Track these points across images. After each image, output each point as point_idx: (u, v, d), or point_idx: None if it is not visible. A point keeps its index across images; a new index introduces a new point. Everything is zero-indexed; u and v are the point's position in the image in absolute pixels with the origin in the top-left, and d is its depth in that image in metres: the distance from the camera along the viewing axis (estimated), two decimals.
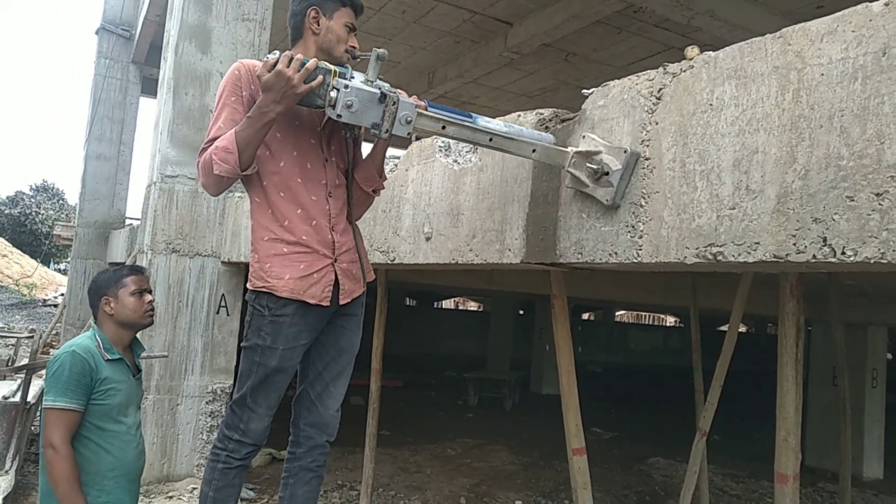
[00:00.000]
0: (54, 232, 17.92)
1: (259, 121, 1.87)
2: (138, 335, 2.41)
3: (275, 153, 2.08)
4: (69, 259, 15.31)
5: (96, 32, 11.31)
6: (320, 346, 2.22)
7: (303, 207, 2.09)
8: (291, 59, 1.77)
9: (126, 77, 11.22)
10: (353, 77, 1.79)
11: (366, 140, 2.28)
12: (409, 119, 1.76)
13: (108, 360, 2.20)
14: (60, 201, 34.50)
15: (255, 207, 2.13)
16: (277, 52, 1.82)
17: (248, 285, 2.15)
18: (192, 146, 4.82)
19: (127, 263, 6.67)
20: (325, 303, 2.10)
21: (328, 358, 2.24)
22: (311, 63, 1.77)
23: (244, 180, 2.12)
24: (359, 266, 2.22)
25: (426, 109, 1.81)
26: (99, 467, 2.15)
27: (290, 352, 2.10)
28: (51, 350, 9.97)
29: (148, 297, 2.34)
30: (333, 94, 1.75)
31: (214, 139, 1.98)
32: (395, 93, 1.76)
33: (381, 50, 1.78)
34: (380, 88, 1.75)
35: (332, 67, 1.81)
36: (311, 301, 2.07)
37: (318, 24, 2.10)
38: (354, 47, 2.13)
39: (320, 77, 1.78)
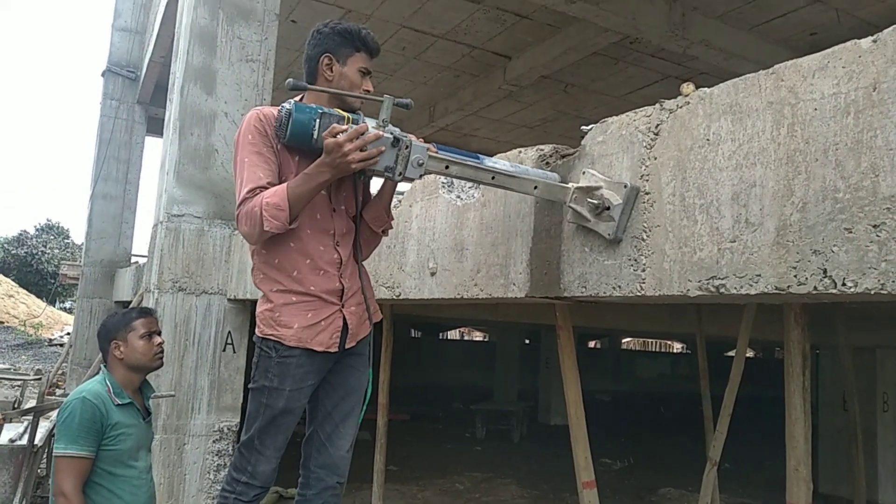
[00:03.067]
0: (60, 271, 18.01)
1: (315, 180, 1.87)
2: (147, 377, 2.42)
3: None
4: (75, 298, 15.37)
5: (102, 74, 11.53)
6: (328, 387, 2.21)
7: (311, 258, 2.09)
8: (360, 135, 1.75)
9: (132, 117, 11.40)
10: (364, 122, 1.83)
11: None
12: (420, 162, 1.79)
13: (119, 404, 2.20)
14: (66, 240, 34.68)
15: (263, 258, 2.13)
16: (358, 118, 1.83)
17: (256, 331, 2.14)
18: (198, 185, 4.88)
19: (134, 302, 6.70)
20: (333, 349, 2.11)
21: (336, 398, 2.23)
22: (371, 136, 1.76)
23: None
24: (365, 308, 2.22)
25: (435, 152, 1.84)
26: None
27: (297, 393, 2.09)
28: (56, 390, 9.95)
29: (157, 340, 2.35)
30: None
31: (256, 189, 1.96)
32: (407, 137, 1.79)
33: (407, 99, 1.82)
34: (392, 133, 1.79)
35: (345, 114, 1.85)
36: (319, 349, 2.07)
37: (332, 71, 2.10)
38: (368, 91, 2.11)
39: (374, 150, 1.77)
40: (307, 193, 1.91)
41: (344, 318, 2.14)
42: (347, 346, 2.16)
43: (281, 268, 2.09)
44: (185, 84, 4.94)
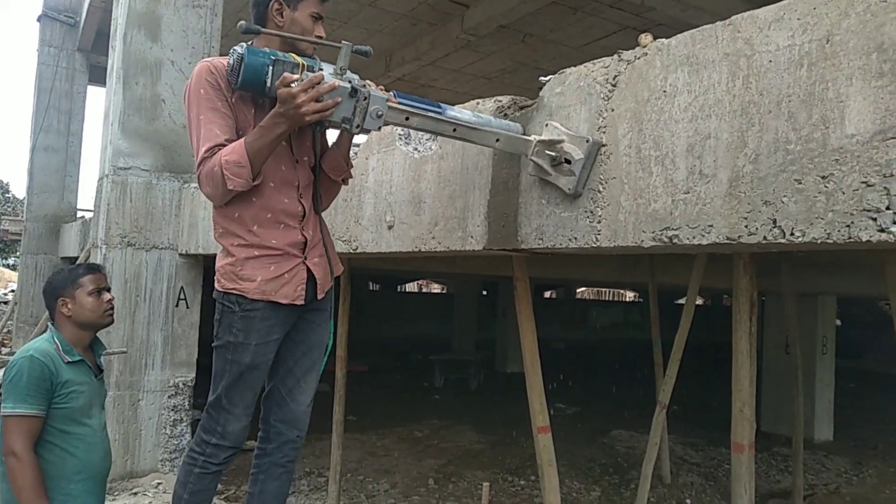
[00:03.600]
0: (1, 227, 17.31)
1: (271, 132, 1.81)
2: (98, 333, 2.36)
3: None
4: (18, 254, 14.84)
5: (38, 20, 10.89)
6: (290, 342, 2.19)
7: (272, 211, 2.05)
8: (315, 84, 1.69)
9: (72, 66, 10.86)
10: (321, 69, 1.76)
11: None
12: (379, 113, 1.73)
13: (69, 362, 2.15)
14: (6, 195, 33.28)
15: (223, 212, 2.07)
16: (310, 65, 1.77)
17: (216, 286, 2.09)
18: (145, 137, 4.71)
19: (81, 258, 6.50)
20: (299, 301, 2.08)
21: (298, 353, 2.22)
22: (325, 87, 1.69)
23: None
24: (326, 260, 2.20)
25: (395, 101, 1.79)
26: (64, 471, 2.11)
27: (263, 347, 2.07)
28: (2, 349, 9.68)
29: (107, 296, 2.29)
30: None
31: (214, 147, 1.90)
32: (365, 87, 1.73)
33: (367, 47, 1.76)
34: (350, 82, 1.72)
35: (300, 61, 1.78)
36: (284, 301, 2.05)
37: (282, 16, 2.03)
38: (321, 37, 2.05)
39: (330, 101, 1.70)
40: (266, 147, 1.86)
41: (309, 270, 2.11)
42: (319, 298, 2.15)
43: (241, 222, 2.04)
44: (127, 30, 4.70)
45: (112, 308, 2.31)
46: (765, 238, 1.40)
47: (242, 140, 1.87)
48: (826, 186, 1.31)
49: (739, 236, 1.45)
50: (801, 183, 1.35)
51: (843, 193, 1.29)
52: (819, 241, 1.32)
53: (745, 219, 1.44)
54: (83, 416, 2.18)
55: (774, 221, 1.39)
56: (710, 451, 6.67)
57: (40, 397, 2.06)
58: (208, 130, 1.93)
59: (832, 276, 6.25)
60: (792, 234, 1.36)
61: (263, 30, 1.88)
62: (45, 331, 2.33)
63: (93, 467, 2.20)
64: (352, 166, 2.30)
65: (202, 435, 2.12)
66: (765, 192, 1.41)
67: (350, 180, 2.38)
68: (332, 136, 2.26)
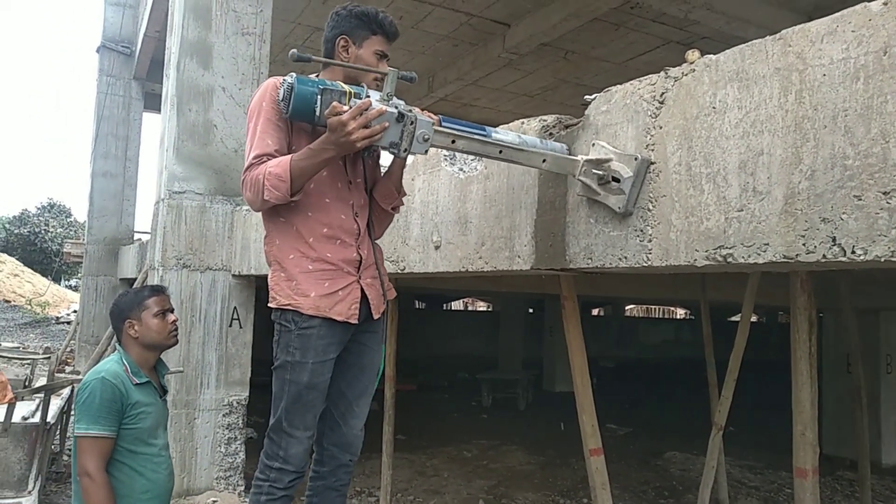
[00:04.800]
0: (64, 250, 18.07)
1: (318, 156, 1.86)
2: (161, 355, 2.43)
3: None
4: (80, 276, 15.43)
5: (97, 50, 11.41)
6: (342, 364, 2.19)
7: (329, 226, 2.08)
8: (363, 111, 1.72)
9: (128, 94, 11.31)
10: (368, 96, 1.80)
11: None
12: (426, 137, 1.75)
13: (137, 383, 2.21)
14: (68, 219, 34.71)
15: (279, 226, 2.11)
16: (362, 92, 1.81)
17: (270, 304, 2.11)
18: (198, 162, 4.86)
19: (138, 279, 6.72)
20: (353, 320, 2.09)
21: (350, 376, 2.22)
22: (373, 113, 1.73)
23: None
24: (380, 283, 2.21)
25: (440, 125, 1.81)
26: (133, 490, 2.17)
27: (320, 366, 2.07)
28: (66, 367, 10.05)
29: (171, 317, 2.34)
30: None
31: (263, 156, 1.96)
32: (411, 111, 1.76)
33: (411, 73, 1.80)
34: (396, 107, 1.75)
35: (347, 89, 1.82)
36: (339, 318, 2.05)
37: (348, 53, 2.08)
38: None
39: (378, 127, 1.74)
40: (310, 168, 1.90)
41: (362, 290, 2.12)
42: (375, 318, 2.16)
43: (298, 235, 2.07)
44: (181, 59, 4.88)
45: (176, 329, 2.36)
46: (824, 256, 1.36)
47: (290, 156, 1.92)
48: (889, 202, 1.27)
49: (797, 255, 1.41)
50: (860, 199, 1.31)
51: None
52: (883, 259, 1.27)
53: (803, 237, 1.40)
54: (150, 437, 2.23)
55: (834, 239, 1.35)
56: (769, 474, 6.44)
57: (112, 418, 2.11)
58: (261, 140, 1.99)
59: (894, 292, 6.00)
60: (853, 251, 1.31)
61: (315, 58, 1.93)
62: (106, 350, 2.41)
63: (159, 486, 2.25)
64: (404, 194, 2.32)
65: (265, 461, 2.11)
66: (822, 209, 1.37)
67: (402, 206, 2.40)
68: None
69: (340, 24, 2.11)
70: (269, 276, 2.16)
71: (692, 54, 1.69)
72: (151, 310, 2.30)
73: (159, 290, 2.39)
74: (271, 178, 1.90)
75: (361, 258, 2.13)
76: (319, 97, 1.81)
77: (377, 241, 2.28)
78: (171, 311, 2.37)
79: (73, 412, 6.15)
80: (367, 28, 2.10)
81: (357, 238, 2.13)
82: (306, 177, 1.93)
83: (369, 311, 2.16)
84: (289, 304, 2.05)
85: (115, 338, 2.40)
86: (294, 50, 1.82)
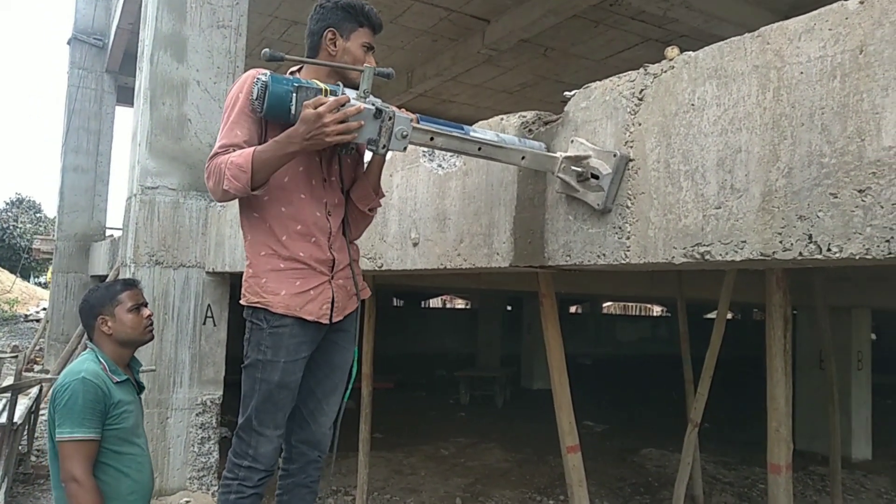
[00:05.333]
0: (33, 246, 17.69)
1: (284, 149, 1.81)
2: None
3: (283, 168, 2.01)
4: (50, 273, 15.14)
5: (68, 42, 11.18)
6: (312, 363, 2.17)
7: (303, 224, 2.05)
8: (340, 105, 1.70)
9: (100, 87, 11.11)
10: (344, 93, 1.77)
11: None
12: (404, 133, 1.74)
13: (117, 382, 2.14)
14: (38, 214, 33.99)
15: (252, 222, 2.08)
16: (328, 87, 1.79)
17: (241, 301, 2.08)
18: (172, 156, 4.78)
19: (110, 276, 6.59)
20: (324, 320, 2.06)
21: (320, 375, 2.20)
22: (352, 109, 1.70)
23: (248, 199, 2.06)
24: (352, 283, 2.18)
25: (418, 122, 1.79)
26: (120, 492, 2.11)
27: (292, 365, 2.04)
28: (34, 366, 9.84)
29: (146, 312, 2.26)
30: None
31: (229, 146, 1.92)
32: (389, 108, 1.74)
33: (389, 69, 1.77)
34: (374, 104, 1.73)
35: (323, 86, 1.78)
36: (309, 318, 2.03)
37: (335, 46, 2.05)
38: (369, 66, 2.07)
39: (354, 124, 1.71)
40: (273, 161, 1.85)
41: (332, 291, 2.10)
42: (334, 320, 2.12)
43: (270, 232, 2.04)
44: (154, 52, 4.79)
45: (152, 324, 2.28)
46: (800, 254, 1.36)
47: (253, 148, 1.88)
48: (863, 200, 1.27)
49: (774, 252, 1.41)
50: (836, 197, 1.31)
51: (882, 207, 1.24)
52: (857, 257, 1.28)
53: (780, 234, 1.40)
54: (133, 436, 2.17)
55: (810, 237, 1.35)
56: (743, 469, 6.52)
57: (96, 420, 2.04)
58: (231, 130, 1.95)
59: (866, 290, 6.11)
60: (829, 249, 1.32)
61: (287, 57, 1.89)
62: (76, 348, 2.34)
63: (144, 486, 2.19)
64: (382, 195, 2.28)
65: (233, 459, 2.08)
66: (799, 206, 1.37)
67: (380, 208, 2.37)
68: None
69: (326, 16, 2.07)
70: (244, 274, 2.12)
71: (671, 51, 1.69)
72: (125, 304, 2.22)
73: (132, 284, 2.31)
74: (233, 167, 1.86)
75: (334, 258, 2.10)
76: (295, 95, 1.78)
77: (355, 242, 2.25)
78: (146, 305, 2.30)
79: (42, 413, 6.02)
80: (354, 20, 2.07)
81: (329, 237, 2.10)
82: (269, 170, 1.88)
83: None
84: (258, 302, 2.02)
85: (85, 335, 2.31)
86: (266, 49, 1.78)
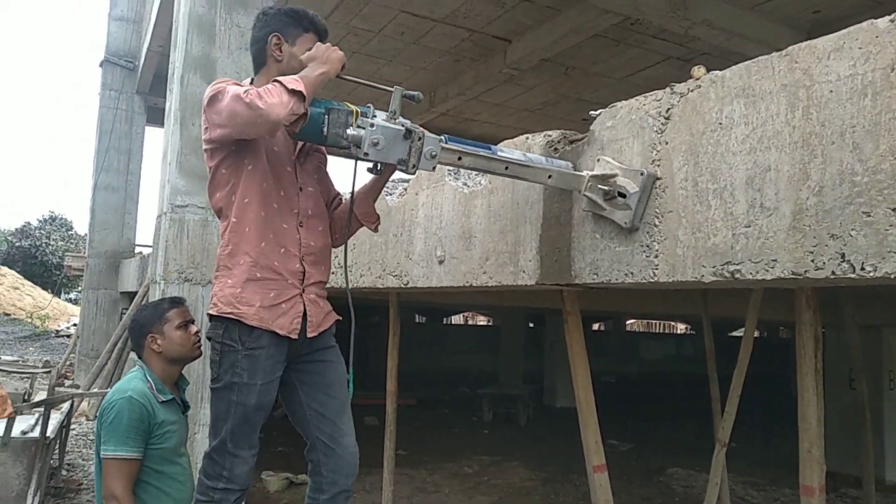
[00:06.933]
0: (65, 263, 18.03)
1: (314, 70, 1.87)
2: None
3: (262, 171, 2.02)
4: (80, 289, 15.42)
5: (100, 65, 11.46)
6: (307, 388, 2.12)
7: (275, 233, 2.03)
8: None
9: (131, 108, 11.35)
10: (375, 115, 1.80)
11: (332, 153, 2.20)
12: (433, 154, 1.78)
13: (162, 401, 2.16)
14: (69, 232, 34.70)
15: (230, 227, 2.04)
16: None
17: (210, 311, 2.03)
18: (201, 176, 4.85)
19: (140, 293, 6.70)
20: (294, 335, 2.02)
21: (322, 396, 2.14)
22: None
23: (224, 202, 2.04)
24: (325, 299, 2.15)
25: (445, 143, 1.82)
26: None
27: (268, 386, 2.00)
28: (65, 381, 10.00)
29: (193, 329, 2.28)
30: (358, 132, 1.75)
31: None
32: (419, 129, 1.77)
33: (416, 92, 1.81)
34: (403, 125, 1.77)
35: (354, 108, 1.82)
36: (280, 332, 1.99)
37: (281, 51, 2.05)
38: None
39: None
40: (311, 82, 1.83)
41: (304, 305, 2.06)
42: (309, 335, 2.08)
43: (249, 238, 2.00)
44: (184, 73, 4.90)
45: (199, 340, 2.29)
46: (833, 273, 1.36)
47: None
48: None
49: (806, 271, 1.40)
50: (870, 216, 1.31)
51: None
52: (893, 276, 1.27)
53: (812, 253, 1.40)
54: (175, 455, 2.19)
55: (843, 256, 1.34)
56: (772, 491, 6.38)
57: (139, 439, 2.06)
58: (238, 85, 1.92)
59: None
60: (863, 268, 1.31)
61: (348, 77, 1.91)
62: (106, 363, 2.38)
63: None
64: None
65: (206, 482, 2.01)
66: (831, 225, 1.37)
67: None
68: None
69: (270, 22, 2.08)
70: (214, 282, 2.08)
71: (698, 70, 1.70)
72: (173, 322, 2.24)
73: (179, 302, 2.34)
74: (289, 81, 1.78)
75: (305, 271, 2.07)
76: (327, 117, 1.82)
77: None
78: (193, 322, 2.32)
79: (73, 427, 6.10)
80: (299, 26, 2.07)
81: (300, 248, 2.07)
82: (312, 89, 1.83)
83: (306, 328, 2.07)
84: (231, 313, 1.97)
85: (133, 353, 2.34)
86: None
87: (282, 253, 2.03)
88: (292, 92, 1.77)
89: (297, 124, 1.83)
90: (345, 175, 2.24)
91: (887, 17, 1.31)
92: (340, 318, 2.25)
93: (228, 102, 1.82)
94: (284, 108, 1.75)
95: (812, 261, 1.39)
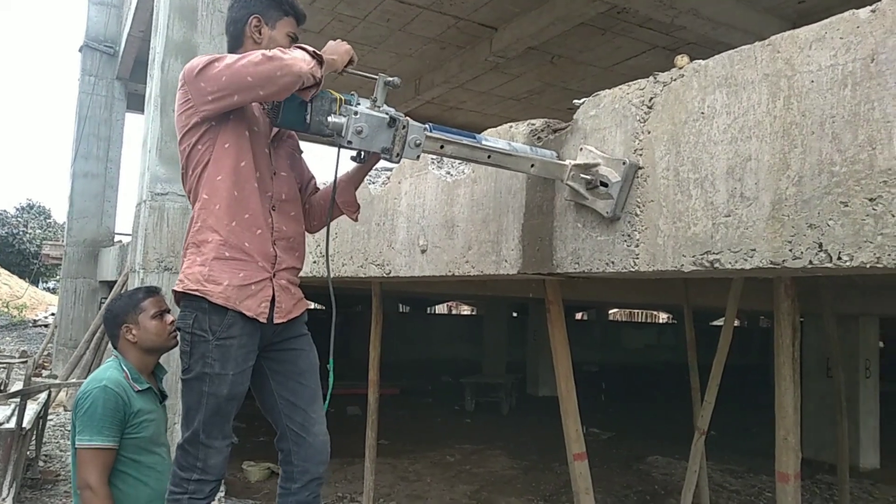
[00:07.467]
0: (43, 251, 17.80)
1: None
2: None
3: (238, 150, 1.97)
4: (58, 278, 15.22)
5: (80, 50, 11.26)
6: (279, 377, 2.09)
7: (250, 213, 1.99)
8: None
9: (111, 94, 11.18)
10: (359, 103, 1.79)
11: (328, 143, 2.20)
12: (418, 142, 1.76)
13: (138, 390, 2.14)
14: (47, 220, 34.19)
15: (201, 204, 1.98)
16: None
17: (176, 287, 1.97)
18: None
19: (118, 282, 6.63)
20: (262, 318, 1.98)
21: (293, 385, 2.11)
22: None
23: (196, 180, 2.00)
24: (298, 286, 2.12)
25: (430, 131, 1.80)
26: (138, 500, 2.11)
27: (240, 376, 1.97)
28: (43, 371, 9.88)
29: (169, 318, 2.25)
30: (341, 120, 1.73)
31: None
32: (403, 117, 1.76)
33: (394, 78, 1.79)
34: (387, 113, 1.75)
35: (338, 95, 1.80)
36: (248, 313, 1.95)
37: (261, 34, 2.02)
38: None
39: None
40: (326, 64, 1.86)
41: (273, 290, 2.02)
42: (276, 321, 2.03)
43: (219, 215, 1.95)
44: (165, 59, 4.83)
45: (175, 329, 2.27)
46: (810, 262, 1.37)
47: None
48: (874, 209, 1.28)
49: (784, 261, 1.41)
50: (847, 205, 1.32)
51: (893, 216, 1.25)
52: (868, 266, 1.28)
53: (790, 242, 1.40)
54: (153, 445, 2.16)
55: (820, 245, 1.35)
56: (750, 478, 6.48)
57: (114, 428, 2.04)
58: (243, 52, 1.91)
59: (874, 297, 6.07)
60: (839, 258, 1.32)
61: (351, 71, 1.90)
62: (85, 353, 2.35)
63: (162, 495, 2.17)
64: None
65: (180, 473, 1.97)
66: (809, 214, 1.37)
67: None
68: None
69: (249, 4, 2.05)
70: (182, 261, 2.03)
71: (681, 59, 1.70)
72: (148, 312, 2.22)
73: (154, 291, 2.30)
74: (307, 47, 1.80)
75: (276, 255, 2.04)
76: (310, 104, 1.79)
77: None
78: (168, 311, 2.28)
79: (51, 418, 6.04)
80: (279, 9, 2.05)
81: (272, 232, 2.04)
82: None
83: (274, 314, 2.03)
84: (197, 290, 1.92)
85: (109, 343, 2.31)
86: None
87: (257, 234, 1.99)
88: (314, 54, 1.79)
89: (303, 96, 1.80)
90: (328, 163, 2.22)
91: (868, 8, 1.32)
92: (311, 306, 2.22)
93: (234, 65, 1.78)
94: (308, 64, 1.75)
95: (790, 250, 1.40)
